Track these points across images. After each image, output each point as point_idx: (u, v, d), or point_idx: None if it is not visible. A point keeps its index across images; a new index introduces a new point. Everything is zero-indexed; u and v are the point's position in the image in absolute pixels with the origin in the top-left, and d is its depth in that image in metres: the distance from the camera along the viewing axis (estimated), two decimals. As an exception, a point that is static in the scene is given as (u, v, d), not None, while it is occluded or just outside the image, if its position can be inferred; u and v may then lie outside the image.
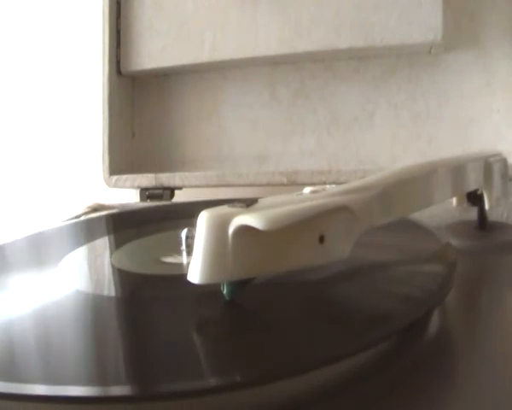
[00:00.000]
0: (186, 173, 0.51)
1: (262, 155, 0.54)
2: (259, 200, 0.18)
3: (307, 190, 0.20)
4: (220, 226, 0.17)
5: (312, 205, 0.17)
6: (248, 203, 0.17)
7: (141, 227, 0.34)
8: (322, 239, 0.17)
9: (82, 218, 0.42)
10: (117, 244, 0.30)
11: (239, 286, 0.17)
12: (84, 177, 0.63)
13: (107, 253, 0.28)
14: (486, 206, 0.29)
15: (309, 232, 0.17)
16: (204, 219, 0.17)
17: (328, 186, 0.20)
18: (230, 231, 0.16)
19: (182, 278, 0.17)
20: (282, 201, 0.18)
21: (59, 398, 0.13)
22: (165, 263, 0.25)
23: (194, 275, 0.17)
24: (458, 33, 0.47)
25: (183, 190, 0.52)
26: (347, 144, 0.51)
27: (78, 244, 0.29)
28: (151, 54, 0.53)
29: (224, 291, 0.17)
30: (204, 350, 0.16)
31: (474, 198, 0.29)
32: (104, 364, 0.15)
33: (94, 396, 0.13)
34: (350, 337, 0.16)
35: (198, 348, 0.16)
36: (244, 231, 0.16)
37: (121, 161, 0.54)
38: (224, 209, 0.17)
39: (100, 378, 0.14)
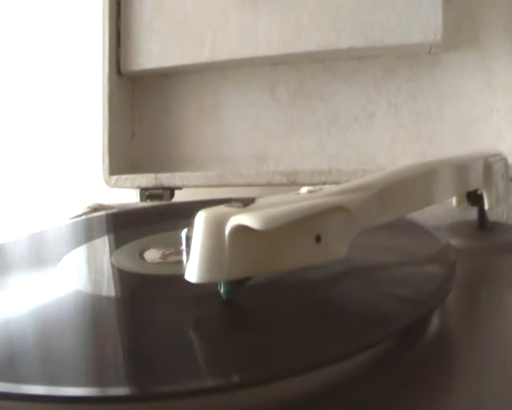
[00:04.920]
0: (186, 173, 0.51)
1: (262, 154, 0.54)
2: (256, 199, 0.18)
3: (304, 189, 0.20)
4: (217, 226, 0.17)
5: (309, 205, 0.17)
6: (245, 203, 0.17)
7: (141, 227, 0.34)
8: (318, 239, 0.17)
9: (82, 218, 0.42)
10: (117, 244, 0.30)
11: (236, 285, 0.17)
12: (84, 177, 0.63)
13: (107, 253, 0.28)
14: (486, 206, 0.29)
15: (305, 232, 0.17)
16: (201, 218, 0.17)
17: (328, 186, 0.20)
18: (227, 230, 0.16)
19: (181, 278, 0.17)
20: (279, 200, 0.18)
21: (58, 398, 0.13)
22: (164, 263, 0.25)
23: (192, 274, 0.17)
24: (458, 33, 0.47)
25: (183, 190, 0.52)
26: (347, 144, 0.51)
27: (78, 244, 0.29)
28: (151, 54, 0.53)
29: (221, 290, 0.17)
30: (202, 350, 0.16)
31: (474, 198, 0.29)
32: (103, 364, 0.15)
33: (93, 396, 0.13)
34: (349, 338, 0.16)
35: (196, 348, 0.16)
36: (241, 230, 0.16)
37: (121, 161, 0.54)
38: (221, 209, 0.17)
39: (99, 378, 0.14)
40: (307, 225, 0.17)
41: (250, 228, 0.16)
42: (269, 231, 0.16)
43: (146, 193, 0.52)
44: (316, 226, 0.17)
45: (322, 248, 0.18)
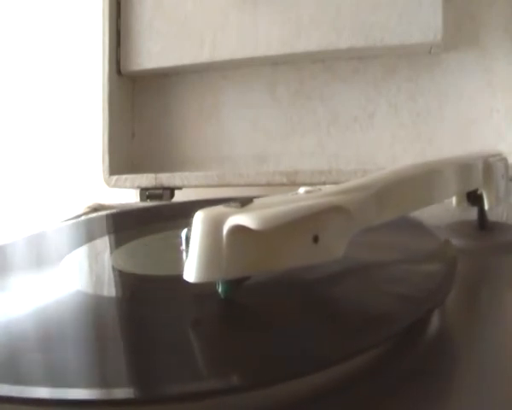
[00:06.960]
0: (186, 173, 0.51)
1: (262, 154, 0.54)
2: (254, 200, 0.18)
3: (302, 189, 0.20)
4: (215, 226, 0.17)
5: (306, 205, 0.17)
6: (243, 203, 0.17)
7: (141, 227, 0.34)
8: (316, 239, 0.17)
9: (82, 218, 0.42)
10: (117, 244, 0.30)
11: (234, 285, 0.17)
12: (84, 177, 0.63)
13: (108, 253, 0.28)
14: (486, 206, 0.29)
15: (303, 232, 0.17)
16: (199, 218, 0.17)
17: (327, 186, 0.20)
18: (225, 230, 0.16)
19: (181, 278, 0.17)
20: (277, 201, 0.18)
21: (59, 401, 0.13)
22: (164, 263, 0.25)
23: (190, 274, 0.17)
24: (458, 33, 0.47)
25: (183, 190, 0.52)
26: (347, 144, 0.51)
27: (79, 244, 0.29)
28: (151, 54, 0.53)
29: (220, 290, 0.18)
30: (200, 350, 0.16)
31: (474, 198, 0.29)
32: (104, 365, 0.15)
33: (94, 399, 0.13)
34: (349, 338, 0.16)
35: (195, 349, 0.16)
36: (238, 230, 0.16)
37: (121, 161, 0.54)
38: (219, 209, 0.17)
39: (100, 380, 0.14)
40: (305, 226, 0.17)
41: (248, 228, 0.16)
42: (266, 231, 0.16)
43: (146, 193, 0.52)
44: (313, 226, 0.17)
45: (319, 248, 0.18)
